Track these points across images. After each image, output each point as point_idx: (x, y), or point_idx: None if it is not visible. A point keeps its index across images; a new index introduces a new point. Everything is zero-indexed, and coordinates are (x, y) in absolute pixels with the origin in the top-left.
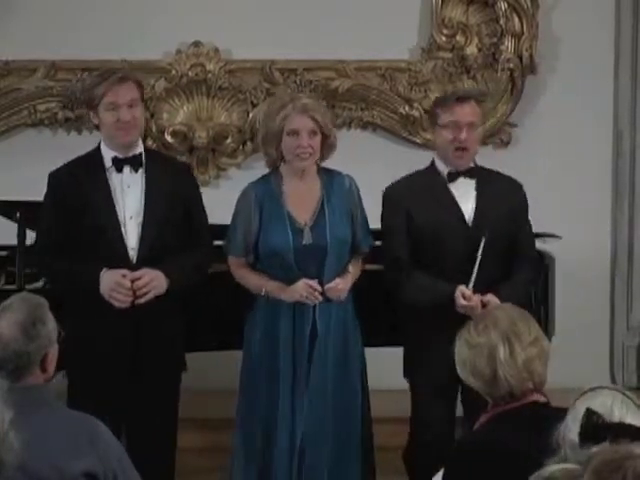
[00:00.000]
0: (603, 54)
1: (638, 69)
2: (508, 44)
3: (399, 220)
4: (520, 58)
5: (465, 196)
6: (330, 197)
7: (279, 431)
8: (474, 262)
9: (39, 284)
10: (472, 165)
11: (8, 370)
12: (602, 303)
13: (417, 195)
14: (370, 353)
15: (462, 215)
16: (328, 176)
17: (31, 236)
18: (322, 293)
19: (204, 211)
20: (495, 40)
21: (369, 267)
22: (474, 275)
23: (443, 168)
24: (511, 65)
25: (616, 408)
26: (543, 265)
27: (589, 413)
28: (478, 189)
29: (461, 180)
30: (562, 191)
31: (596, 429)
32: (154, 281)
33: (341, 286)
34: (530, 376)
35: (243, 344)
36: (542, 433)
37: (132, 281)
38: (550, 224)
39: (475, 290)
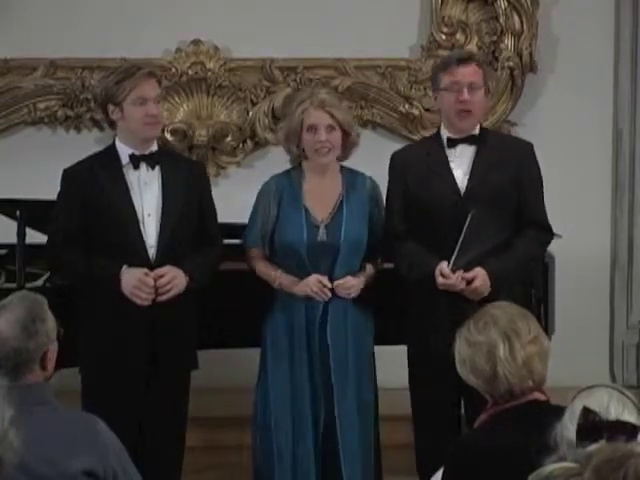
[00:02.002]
0: (603, 53)
1: (638, 69)
2: (508, 42)
3: (398, 187)
4: (520, 57)
5: (462, 164)
6: (349, 196)
7: (302, 433)
8: (465, 233)
9: (39, 282)
10: (476, 132)
11: (8, 368)
12: (602, 302)
13: (415, 162)
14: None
15: (455, 184)
16: (350, 175)
17: (31, 234)
18: (332, 291)
19: (214, 206)
20: (495, 38)
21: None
22: (456, 251)
23: (444, 134)
24: (511, 64)
25: (612, 406)
26: (551, 233)
27: (586, 411)
28: (477, 157)
29: (460, 147)
30: (562, 190)
31: (593, 427)
32: (176, 279)
33: (351, 283)
34: (530, 374)
35: (260, 342)
36: (542, 431)
37: (155, 279)
38: (550, 223)
39: (458, 267)
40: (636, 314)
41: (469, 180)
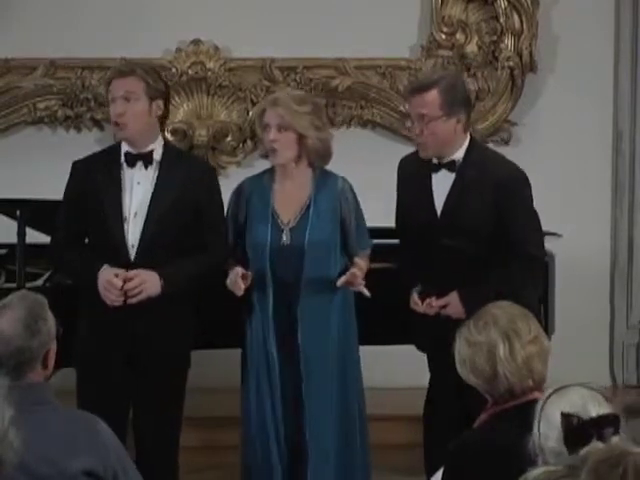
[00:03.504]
0: (603, 53)
1: (638, 69)
2: (508, 42)
3: (398, 198)
4: (520, 56)
5: (441, 190)
6: (318, 199)
7: (267, 432)
8: (436, 260)
9: (39, 282)
10: (459, 157)
11: (9, 367)
12: (602, 302)
13: (409, 176)
14: (365, 351)
15: (433, 209)
16: (322, 177)
17: (31, 234)
18: (248, 289)
19: (219, 212)
20: (495, 38)
21: (371, 266)
22: (421, 284)
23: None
24: (511, 63)
25: (589, 404)
26: (538, 264)
27: (566, 417)
28: (453, 185)
29: (442, 173)
30: (562, 190)
31: (579, 430)
32: (146, 283)
33: (357, 271)
34: (530, 374)
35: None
36: None
37: (124, 281)
38: (550, 223)
39: (429, 292)
40: (636, 314)
41: (443, 208)
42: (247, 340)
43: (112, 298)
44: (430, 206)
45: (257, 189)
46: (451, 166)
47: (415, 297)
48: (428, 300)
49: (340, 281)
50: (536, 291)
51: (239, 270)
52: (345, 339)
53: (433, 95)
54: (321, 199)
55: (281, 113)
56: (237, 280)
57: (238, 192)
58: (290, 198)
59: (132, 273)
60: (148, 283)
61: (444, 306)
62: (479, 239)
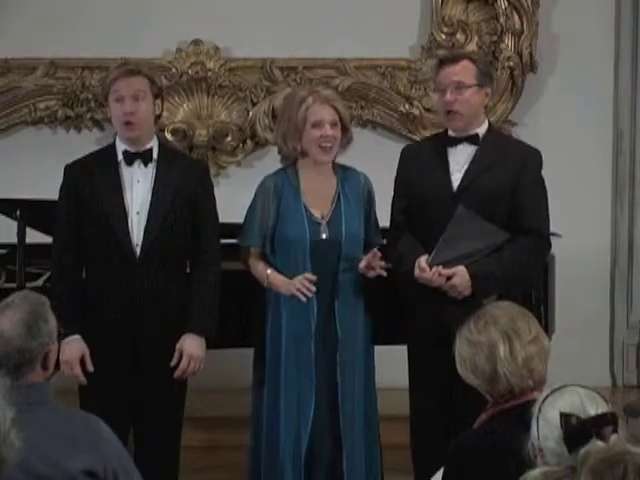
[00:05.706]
0: (603, 53)
1: (638, 69)
2: (508, 42)
3: (401, 181)
4: (520, 56)
5: (460, 163)
6: (346, 192)
7: (282, 432)
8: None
9: (39, 282)
10: (480, 131)
11: (9, 367)
12: (602, 301)
13: (418, 158)
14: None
15: (450, 183)
16: (343, 172)
17: (31, 234)
18: (317, 291)
19: (213, 209)
20: (495, 38)
21: None
22: (437, 246)
23: (450, 132)
24: (511, 63)
25: (586, 403)
26: (546, 243)
27: (565, 417)
28: (475, 157)
29: (461, 146)
30: (562, 189)
31: (579, 429)
32: (192, 362)
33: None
34: (530, 374)
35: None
36: None
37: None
38: (550, 223)
39: (439, 262)
40: (636, 314)
41: (462, 179)
42: (272, 338)
43: None
44: (446, 179)
45: (285, 185)
46: (474, 139)
47: (422, 262)
48: (435, 268)
49: (361, 265)
50: (541, 268)
51: (308, 275)
52: (366, 338)
53: (468, 64)
54: (349, 193)
55: (336, 107)
56: (307, 285)
57: (266, 188)
58: (320, 193)
59: (179, 354)
60: (194, 360)
61: (450, 277)
62: (494, 211)
